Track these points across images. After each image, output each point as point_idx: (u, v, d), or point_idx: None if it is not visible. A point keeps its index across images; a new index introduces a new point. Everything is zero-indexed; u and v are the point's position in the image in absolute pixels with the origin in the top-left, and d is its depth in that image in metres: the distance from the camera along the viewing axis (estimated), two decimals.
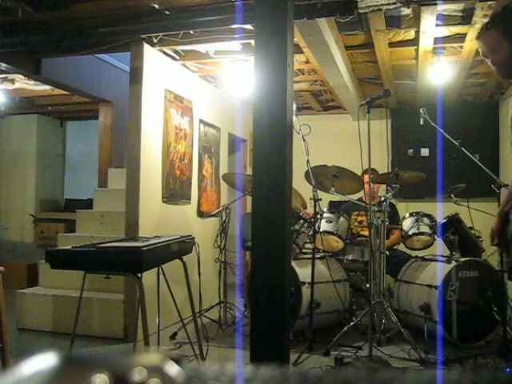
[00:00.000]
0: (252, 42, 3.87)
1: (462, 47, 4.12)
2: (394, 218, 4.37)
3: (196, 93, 4.92)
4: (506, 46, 1.88)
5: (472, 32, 3.71)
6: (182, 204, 4.61)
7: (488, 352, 3.33)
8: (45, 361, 0.32)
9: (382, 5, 3.09)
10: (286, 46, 2.26)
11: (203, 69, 4.89)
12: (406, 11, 3.56)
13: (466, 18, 3.58)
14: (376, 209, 3.73)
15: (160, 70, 4.25)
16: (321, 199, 3.69)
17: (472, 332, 3.56)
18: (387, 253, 3.85)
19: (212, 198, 5.30)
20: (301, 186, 3.98)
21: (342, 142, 6.25)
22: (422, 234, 4.02)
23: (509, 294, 3.78)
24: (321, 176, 3.87)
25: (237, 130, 6.00)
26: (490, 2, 3.18)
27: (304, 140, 3.56)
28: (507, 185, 3.11)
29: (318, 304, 3.68)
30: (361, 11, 3.16)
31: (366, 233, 3.95)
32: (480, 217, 3.88)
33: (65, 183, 7.45)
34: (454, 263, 3.62)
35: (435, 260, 3.87)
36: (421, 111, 3.75)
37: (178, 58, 4.52)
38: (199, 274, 3.65)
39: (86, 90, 5.30)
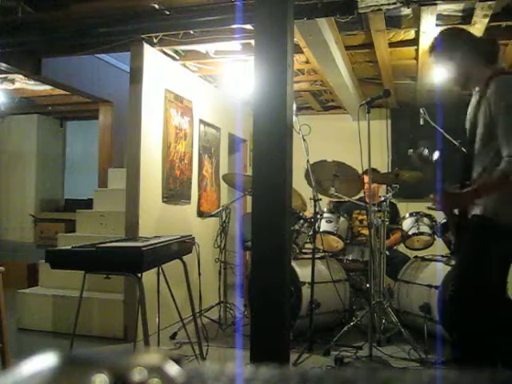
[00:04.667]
0: (252, 42, 3.87)
1: None
2: (396, 218, 4.36)
3: (196, 93, 4.92)
4: (449, 64, 2.18)
5: (472, 32, 3.70)
6: (182, 204, 4.61)
7: None
8: (45, 361, 0.32)
9: (382, 5, 3.09)
10: (286, 46, 2.26)
11: (203, 69, 4.89)
12: (406, 11, 3.56)
13: (466, 17, 3.58)
14: (376, 209, 3.73)
15: (160, 69, 4.25)
16: (321, 199, 3.69)
17: None
18: (387, 253, 3.84)
19: (212, 198, 5.30)
20: (301, 186, 3.98)
21: (342, 142, 6.24)
22: (422, 234, 4.02)
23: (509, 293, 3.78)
24: (321, 176, 3.87)
25: (237, 130, 6.00)
26: (489, 2, 3.18)
27: (304, 140, 3.56)
28: None
29: (318, 304, 3.67)
30: (361, 11, 3.16)
31: (367, 232, 3.95)
32: None
33: (65, 183, 7.45)
34: (453, 263, 3.61)
35: (435, 260, 3.87)
36: (421, 111, 3.75)
37: (177, 58, 4.52)
38: (199, 274, 3.65)
39: (86, 90, 5.30)
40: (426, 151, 2.13)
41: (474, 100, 2.21)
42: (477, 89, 2.19)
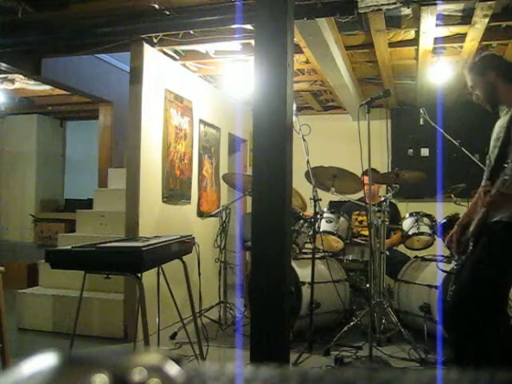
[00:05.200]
0: (252, 42, 3.87)
1: (461, 47, 4.11)
2: (396, 218, 4.36)
3: (196, 93, 4.92)
4: (483, 83, 2.41)
5: (472, 32, 3.71)
6: (182, 204, 4.61)
7: None
8: (45, 361, 0.32)
9: (382, 5, 3.09)
10: (285, 46, 2.26)
11: (203, 69, 4.89)
12: (406, 11, 3.56)
13: (466, 17, 3.58)
14: (376, 209, 3.73)
15: (160, 69, 4.24)
16: (321, 199, 3.69)
17: None
18: (387, 253, 3.84)
19: (212, 198, 5.30)
20: (301, 186, 3.98)
21: (342, 142, 6.24)
22: (422, 234, 4.02)
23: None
24: (321, 176, 3.87)
25: (237, 130, 6.00)
26: (489, 2, 3.18)
27: (304, 140, 3.56)
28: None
29: (318, 304, 3.67)
30: (361, 11, 3.16)
31: (367, 232, 3.95)
32: None
33: (65, 183, 7.45)
34: (453, 263, 3.61)
35: (435, 260, 3.87)
36: (421, 111, 3.75)
37: (177, 58, 4.52)
38: (199, 274, 3.65)
39: (86, 90, 5.30)
40: None
41: (502, 120, 2.36)
42: (505, 110, 2.36)
